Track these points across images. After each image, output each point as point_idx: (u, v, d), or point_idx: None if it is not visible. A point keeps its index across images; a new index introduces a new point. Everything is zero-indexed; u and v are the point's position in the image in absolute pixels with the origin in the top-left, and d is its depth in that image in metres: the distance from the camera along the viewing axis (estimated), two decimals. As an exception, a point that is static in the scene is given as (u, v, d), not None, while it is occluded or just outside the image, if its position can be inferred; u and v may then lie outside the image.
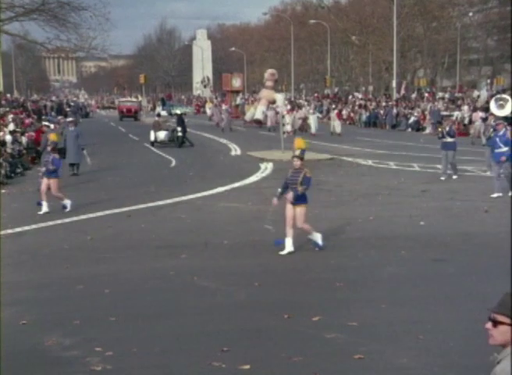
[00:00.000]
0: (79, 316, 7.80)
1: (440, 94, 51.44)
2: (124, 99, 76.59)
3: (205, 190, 17.62)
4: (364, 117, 46.84)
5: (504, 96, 21.98)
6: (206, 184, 18.44)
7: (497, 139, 15.90)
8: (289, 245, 10.80)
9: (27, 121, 32.21)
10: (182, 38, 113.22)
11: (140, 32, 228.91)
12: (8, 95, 64.39)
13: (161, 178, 20.66)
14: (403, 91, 52.03)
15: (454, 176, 18.76)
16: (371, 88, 68.36)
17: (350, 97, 58.75)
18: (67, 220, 13.89)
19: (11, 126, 26.89)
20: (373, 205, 15.11)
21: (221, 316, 7.81)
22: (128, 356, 6.63)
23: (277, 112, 31.26)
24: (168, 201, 16.18)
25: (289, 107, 42.91)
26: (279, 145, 26.67)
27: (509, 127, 17.74)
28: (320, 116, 42.57)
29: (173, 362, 6.52)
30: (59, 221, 13.80)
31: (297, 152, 10.86)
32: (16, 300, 8.57)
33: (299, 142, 11.11)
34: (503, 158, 15.50)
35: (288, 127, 37.31)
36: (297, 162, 10.80)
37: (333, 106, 44.90)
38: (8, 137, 24.23)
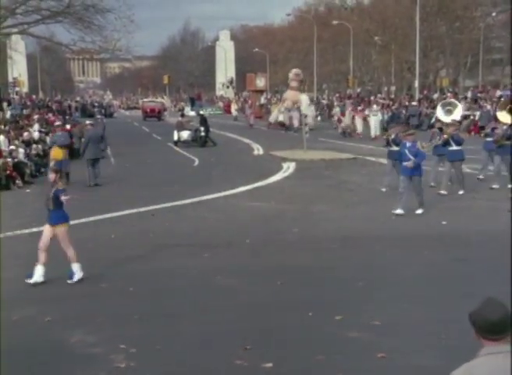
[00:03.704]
0: (103, 314, 7.89)
1: (461, 95, 51.06)
2: (147, 99, 77.05)
3: (228, 189, 17.68)
4: (386, 117, 46.55)
5: (452, 101, 21.10)
6: (229, 184, 18.50)
7: (406, 150, 14.12)
8: (38, 274, 9.21)
9: (52, 119, 32.50)
10: (205, 39, 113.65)
11: (164, 33, 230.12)
12: (34, 96, 65.23)
13: (184, 177, 20.76)
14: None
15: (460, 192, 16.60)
16: (393, 88, 68.07)
17: (372, 97, 58.53)
18: (91, 219, 14.01)
19: (36, 127, 27.21)
20: (395, 204, 15.05)
21: (243, 315, 7.85)
22: (151, 354, 6.69)
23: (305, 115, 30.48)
24: (192, 200, 16.26)
25: (360, 107, 41.27)
26: (301, 145, 26.68)
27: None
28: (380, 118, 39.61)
29: (196, 360, 6.57)
30: (83, 220, 13.90)
31: (52, 164, 9.68)
32: (40, 297, 8.69)
33: (56, 153, 9.99)
34: (410, 163, 13.87)
35: (359, 129, 36.12)
36: (52, 175, 9.50)
37: (376, 107, 43.54)
38: (36, 134, 24.49)
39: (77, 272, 9.34)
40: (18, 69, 71.63)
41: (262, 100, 59.58)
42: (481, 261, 10.13)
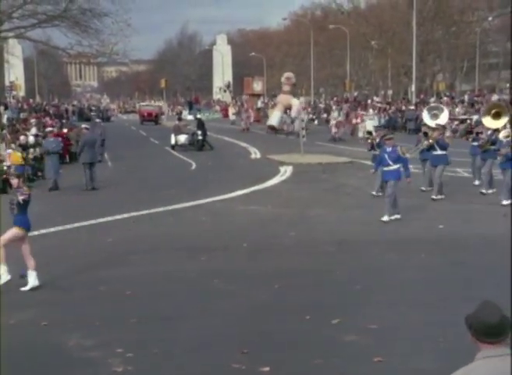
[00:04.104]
0: (100, 318, 7.88)
1: (458, 99, 51.21)
2: (145, 103, 77.20)
3: (225, 193, 17.69)
4: (383, 121, 46.60)
5: (439, 105, 20.81)
6: (226, 187, 18.51)
7: (386, 155, 13.88)
8: (32, 280, 9.23)
9: (50, 123, 32.46)
10: (202, 43, 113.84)
11: (161, 37, 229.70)
12: (31, 100, 65.21)
13: (181, 181, 20.77)
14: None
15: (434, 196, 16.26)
16: (390, 92, 68.23)
17: (369, 101, 58.66)
18: (88, 223, 14.01)
19: (33, 131, 27.18)
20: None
21: (241, 318, 7.85)
22: (149, 358, 6.69)
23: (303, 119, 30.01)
24: (189, 204, 16.27)
25: (371, 111, 40.29)
26: (298, 149, 26.72)
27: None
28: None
29: (193, 364, 6.57)
30: (80, 224, 13.92)
31: (13, 169, 9.59)
32: (37, 301, 8.69)
33: (15, 157, 9.75)
34: (409, 179, 13.93)
35: (360, 134, 34.85)
36: (14, 181, 9.49)
37: (372, 111, 42.96)
38: (31, 138, 24.51)
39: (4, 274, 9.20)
40: (15, 72, 71.67)
41: (259, 104, 59.64)
42: (478, 264, 10.15)
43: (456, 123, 37.27)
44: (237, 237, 12.29)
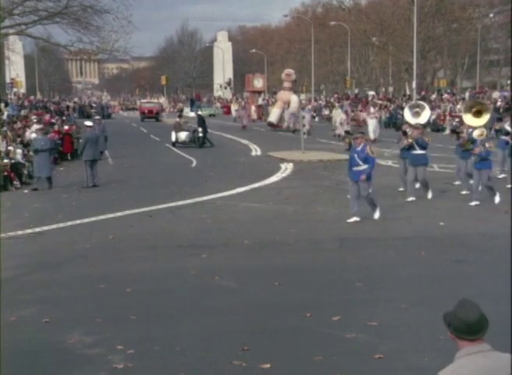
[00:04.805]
0: (101, 315, 7.89)
1: (459, 96, 51.20)
2: (145, 100, 77.36)
3: (226, 190, 17.70)
4: (384, 118, 46.60)
5: (420, 103, 20.42)
6: (226, 184, 18.52)
7: (355, 155, 13.49)
8: None
9: (47, 119, 32.47)
10: (203, 40, 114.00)
11: (162, 34, 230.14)
12: (32, 97, 65.25)
13: (182, 178, 20.78)
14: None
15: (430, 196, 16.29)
16: (391, 89, 68.26)
17: (371, 97, 58.64)
18: (89, 220, 14.01)
19: (34, 127, 27.19)
20: (393, 205, 15.09)
21: (241, 316, 7.85)
22: (149, 355, 6.69)
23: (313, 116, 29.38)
24: (189, 201, 16.28)
25: (372, 110, 39.93)
26: (299, 146, 26.71)
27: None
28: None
29: (194, 361, 6.57)
30: (81, 221, 13.92)
31: None
32: (38, 298, 8.68)
33: None
34: (363, 176, 13.26)
35: (371, 134, 32.87)
36: None
37: (373, 109, 42.51)
38: (34, 135, 24.52)
39: None
40: (15, 69, 71.70)
41: (260, 101, 59.65)
42: (478, 262, 10.15)
43: (457, 120, 37.22)
44: (238, 234, 12.30)
